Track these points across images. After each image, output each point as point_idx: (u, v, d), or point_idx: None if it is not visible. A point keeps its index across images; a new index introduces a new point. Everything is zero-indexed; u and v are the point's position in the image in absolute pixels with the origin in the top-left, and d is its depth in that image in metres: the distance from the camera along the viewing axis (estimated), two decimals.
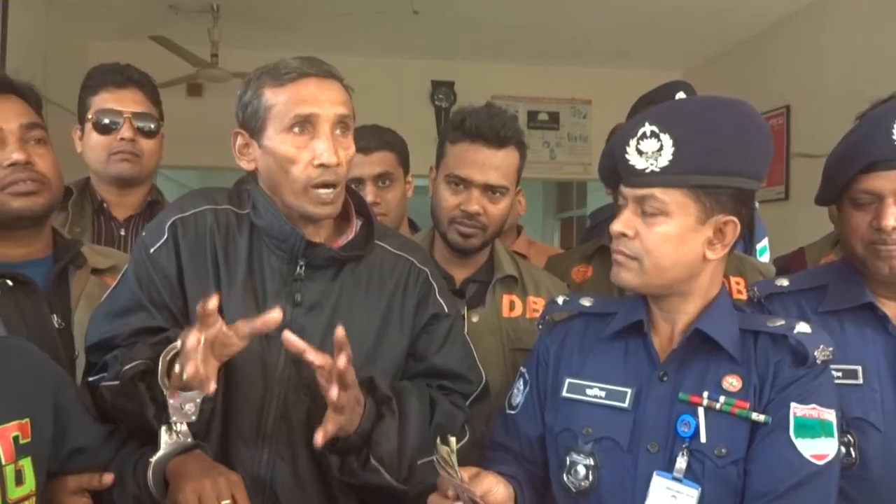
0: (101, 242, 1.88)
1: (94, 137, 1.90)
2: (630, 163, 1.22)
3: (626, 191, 1.24)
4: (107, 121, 1.89)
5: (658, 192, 1.20)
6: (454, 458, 1.14)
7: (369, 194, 1.90)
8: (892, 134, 1.32)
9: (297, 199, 1.28)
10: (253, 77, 1.30)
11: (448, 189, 1.65)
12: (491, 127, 1.60)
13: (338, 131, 1.28)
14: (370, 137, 1.94)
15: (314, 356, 1.14)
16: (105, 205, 1.95)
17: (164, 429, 1.16)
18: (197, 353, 1.10)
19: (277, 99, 1.26)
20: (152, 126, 1.93)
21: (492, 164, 1.61)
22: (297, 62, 1.28)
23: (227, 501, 1.12)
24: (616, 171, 1.28)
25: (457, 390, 1.40)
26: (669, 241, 1.22)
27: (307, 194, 1.27)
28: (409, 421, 1.27)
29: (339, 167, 1.27)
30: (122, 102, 1.90)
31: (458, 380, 1.41)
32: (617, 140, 1.26)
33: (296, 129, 1.26)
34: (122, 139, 1.88)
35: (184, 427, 1.17)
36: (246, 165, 1.34)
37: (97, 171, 1.95)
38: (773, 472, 1.17)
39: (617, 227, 1.24)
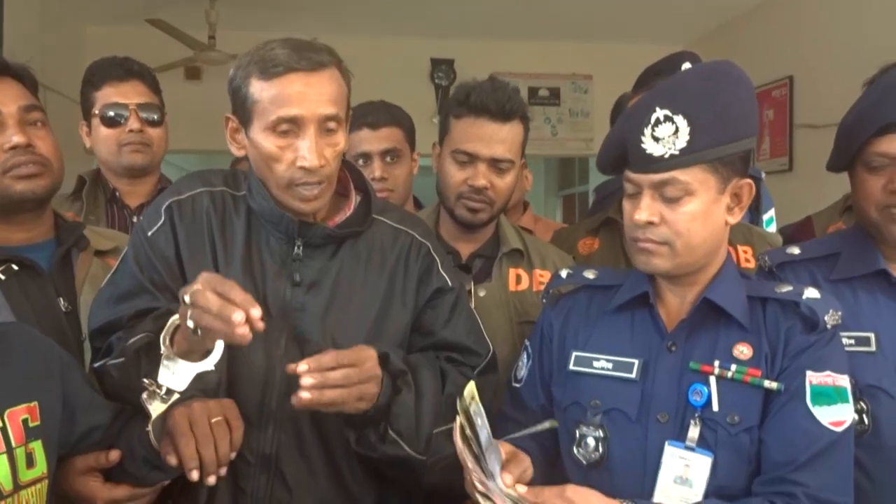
0: (115, 230, 1.88)
1: (103, 131, 1.94)
2: (647, 151, 1.20)
3: (641, 177, 1.22)
4: (113, 114, 1.94)
5: (678, 174, 1.19)
6: (476, 406, 1.13)
7: (377, 169, 1.90)
8: None
9: (282, 194, 1.28)
10: (242, 63, 1.27)
11: (454, 164, 1.63)
12: (496, 101, 1.58)
13: (326, 128, 1.26)
14: (378, 113, 1.93)
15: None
16: (117, 193, 1.99)
17: (144, 395, 1.12)
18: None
19: (262, 95, 1.23)
20: (156, 116, 1.98)
21: (497, 137, 1.60)
22: (285, 53, 1.23)
23: (219, 419, 1.12)
24: (618, 159, 1.27)
25: (465, 363, 1.40)
26: (697, 219, 1.21)
27: (290, 191, 1.27)
28: (424, 393, 1.28)
29: (323, 168, 1.26)
30: (126, 95, 1.94)
31: (465, 352, 1.41)
32: (627, 130, 1.24)
33: (279, 130, 1.24)
34: (130, 131, 1.93)
35: (163, 391, 1.13)
36: (236, 151, 1.33)
37: (108, 163, 1.99)
38: (792, 442, 1.17)
39: (642, 216, 1.21)
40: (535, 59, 5.42)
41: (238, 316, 1.03)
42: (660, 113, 1.19)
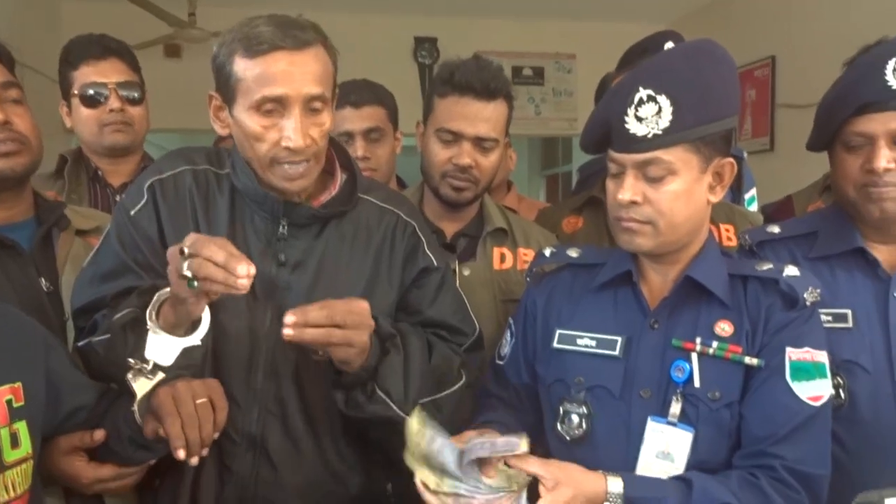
0: (98, 209, 1.87)
1: (84, 111, 1.92)
2: (631, 132, 1.20)
3: (625, 157, 1.22)
4: (93, 93, 1.91)
5: (661, 153, 1.19)
6: (430, 430, 1.14)
7: (359, 149, 1.89)
8: (886, 76, 1.33)
9: (265, 173, 1.28)
10: (226, 40, 1.25)
11: (438, 143, 1.63)
12: (481, 80, 1.58)
13: (311, 108, 1.25)
14: (361, 92, 1.92)
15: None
16: (100, 173, 1.97)
17: (129, 375, 1.13)
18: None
19: (246, 73, 1.22)
20: (137, 94, 1.96)
21: (482, 116, 1.60)
22: (269, 31, 1.21)
23: (203, 400, 1.13)
24: (602, 139, 1.27)
25: (452, 341, 1.41)
26: (680, 199, 1.22)
27: (274, 170, 1.26)
28: (412, 355, 1.29)
29: (308, 148, 1.24)
30: (105, 74, 1.91)
31: (451, 331, 1.42)
32: (610, 110, 1.24)
33: (264, 109, 1.22)
34: (111, 110, 1.91)
35: (149, 367, 1.14)
36: (220, 130, 1.32)
37: (90, 143, 1.97)
38: (772, 417, 1.20)
39: (625, 196, 1.22)
40: (519, 38, 5.40)
41: (242, 269, 1.05)
42: (643, 93, 1.20)
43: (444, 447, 1.14)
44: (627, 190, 1.22)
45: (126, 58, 1.96)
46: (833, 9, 3.87)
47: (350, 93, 1.90)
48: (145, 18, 4.22)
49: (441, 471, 1.14)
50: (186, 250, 1.08)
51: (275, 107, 1.22)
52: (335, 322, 1.15)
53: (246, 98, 1.23)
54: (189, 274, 1.07)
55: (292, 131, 1.22)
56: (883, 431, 1.34)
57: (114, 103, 1.90)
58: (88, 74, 1.90)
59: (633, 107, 1.20)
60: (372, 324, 1.21)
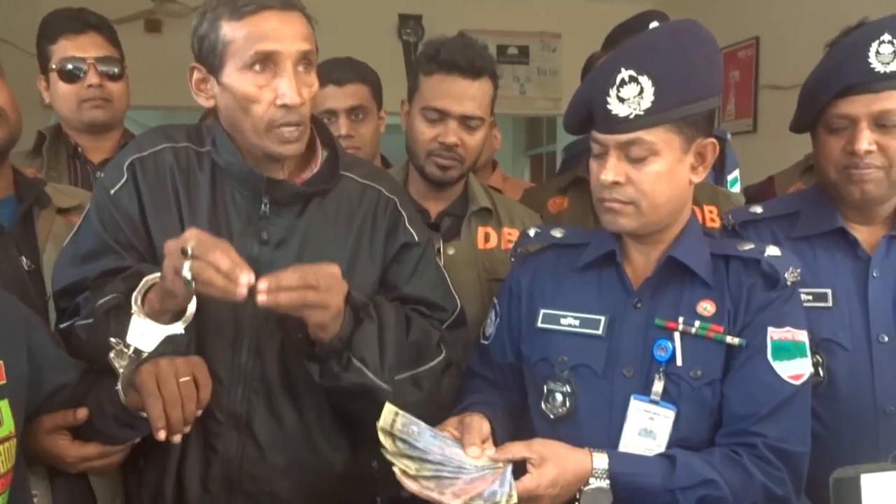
0: (78, 186, 1.85)
1: (62, 87, 1.89)
2: (613, 112, 1.21)
3: (608, 138, 1.23)
4: (71, 67, 1.88)
5: (643, 134, 1.20)
6: (402, 419, 1.16)
7: (342, 127, 1.88)
8: (869, 58, 1.34)
9: (260, 139, 1.26)
10: (209, 7, 1.24)
11: (424, 122, 1.63)
12: (466, 57, 1.58)
13: (300, 68, 1.25)
14: (344, 70, 1.91)
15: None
16: (80, 149, 1.95)
17: (112, 354, 1.13)
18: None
19: (236, 34, 1.21)
20: (116, 70, 1.93)
21: (468, 94, 1.60)
22: None
23: (187, 379, 1.13)
24: (585, 120, 1.27)
25: (431, 317, 1.41)
26: (662, 179, 1.22)
27: (270, 133, 1.25)
28: (386, 324, 1.29)
29: (302, 107, 1.24)
30: (83, 49, 1.89)
31: (431, 307, 1.42)
32: (593, 91, 1.24)
33: (256, 67, 1.22)
34: (90, 86, 1.88)
35: (130, 352, 1.14)
36: (204, 102, 1.30)
37: (69, 119, 1.94)
38: (754, 396, 1.22)
39: (608, 176, 1.22)
40: (504, 17, 5.36)
41: (245, 278, 1.07)
42: (625, 73, 1.20)
43: (423, 433, 1.16)
44: (610, 171, 1.23)
45: (105, 32, 1.93)
46: None
47: (333, 70, 1.89)
48: None
49: (420, 459, 1.15)
50: (189, 250, 1.07)
51: (267, 64, 1.22)
52: (308, 283, 1.14)
53: (237, 58, 1.22)
54: (189, 276, 1.07)
55: (287, 88, 1.22)
56: (860, 408, 1.36)
57: (92, 79, 1.88)
58: (67, 49, 1.87)
59: (615, 87, 1.20)
60: (345, 286, 1.21)
